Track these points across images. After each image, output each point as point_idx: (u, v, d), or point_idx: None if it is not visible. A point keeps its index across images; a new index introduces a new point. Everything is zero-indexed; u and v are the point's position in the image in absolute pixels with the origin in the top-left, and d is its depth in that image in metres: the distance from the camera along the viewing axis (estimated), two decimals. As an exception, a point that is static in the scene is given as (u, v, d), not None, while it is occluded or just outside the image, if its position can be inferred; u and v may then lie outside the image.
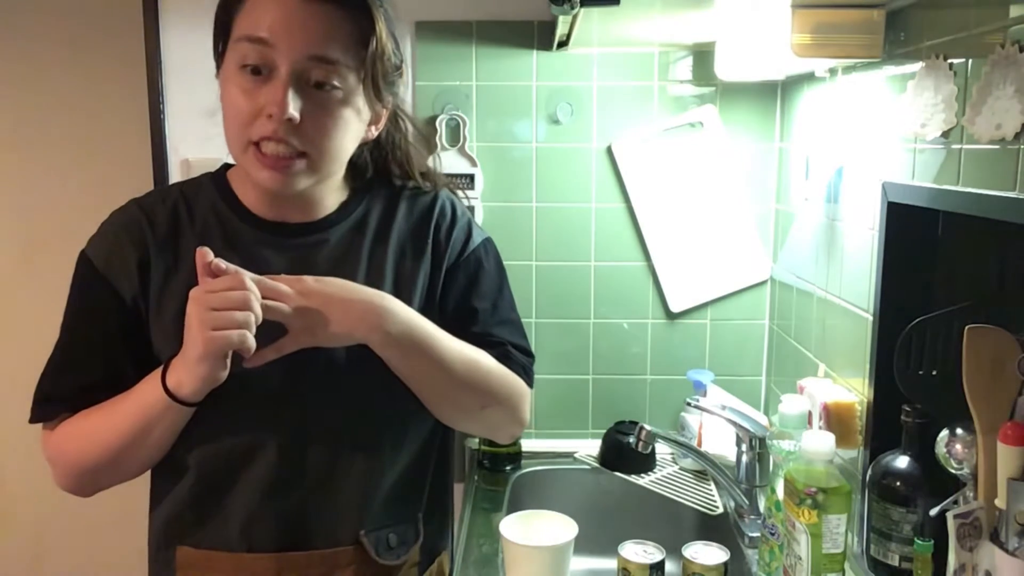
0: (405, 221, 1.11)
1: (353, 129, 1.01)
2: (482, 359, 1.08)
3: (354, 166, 1.10)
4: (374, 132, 1.07)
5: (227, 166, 1.11)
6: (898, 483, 1.08)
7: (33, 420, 1.05)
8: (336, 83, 0.96)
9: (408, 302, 1.04)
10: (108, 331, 1.03)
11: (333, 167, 1.03)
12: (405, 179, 1.14)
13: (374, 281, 1.05)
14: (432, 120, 1.72)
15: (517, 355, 1.13)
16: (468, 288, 1.12)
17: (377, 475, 1.06)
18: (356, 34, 0.96)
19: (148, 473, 1.08)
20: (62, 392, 1.04)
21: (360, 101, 1.00)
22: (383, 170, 1.14)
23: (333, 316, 0.97)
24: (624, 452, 1.65)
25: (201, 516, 1.04)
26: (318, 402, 1.03)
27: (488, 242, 1.16)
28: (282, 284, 0.96)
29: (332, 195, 1.09)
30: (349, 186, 1.12)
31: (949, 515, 0.90)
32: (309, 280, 0.98)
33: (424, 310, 1.06)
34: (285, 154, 0.96)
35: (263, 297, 0.93)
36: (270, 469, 1.02)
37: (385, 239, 1.09)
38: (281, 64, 0.94)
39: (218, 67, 1.02)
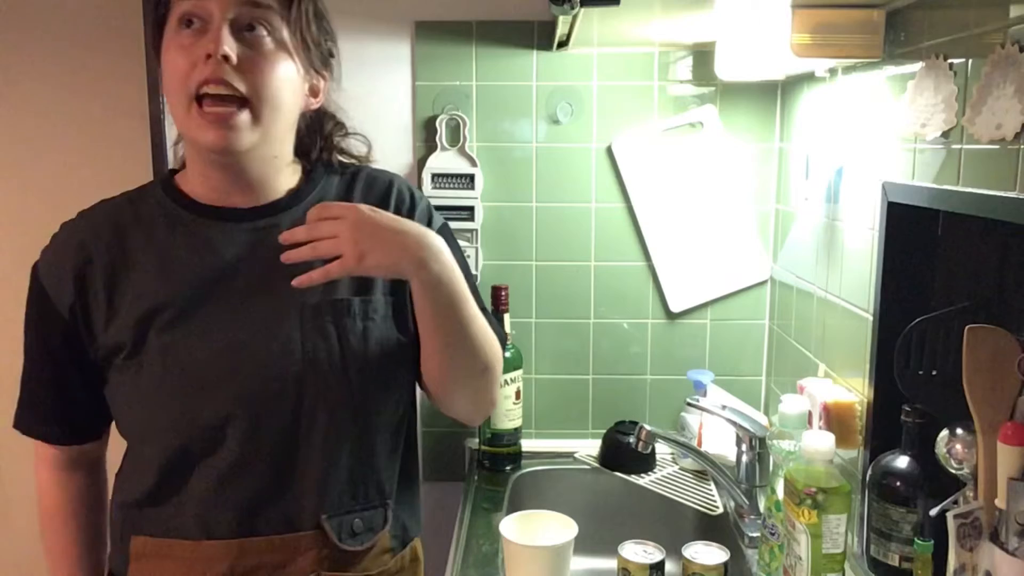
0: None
1: (291, 81, 1.02)
2: (486, 323, 1.09)
3: (300, 144, 1.11)
4: (314, 104, 1.09)
5: (173, 171, 1.13)
6: (898, 483, 1.08)
7: (14, 426, 1.13)
8: (267, 26, 1.00)
9: (370, 288, 1.06)
10: (55, 354, 1.08)
11: (275, 119, 1.02)
12: (325, 151, 1.15)
13: None
14: (432, 120, 1.72)
15: (497, 331, 1.14)
16: None
17: (340, 461, 1.05)
18: None
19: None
20: (29, 424, 1.13)
21: (294, 54, 1.02)
22: (305, 140, 1.13)
23: (382, 245, 0.96)
24: (624, 452, 1.65)
25: (158, 503, 1.04)
26: (282, 388, 1.02)
27: (447, 226, 1.16)
28: (336, 208, 0.98)
29: (280, 179, 1.09)
30: (300, 172, 1.12)
31: (949, 515, 0.90)
32: (364, 208, 0.98)
33: (393, 293, 1.07)
34: (226, 95, 0.97)
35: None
36: (229, 454, 1.02)
37: None
38: (215, 11, 0.97)
39: (157, 53, 1.04)
